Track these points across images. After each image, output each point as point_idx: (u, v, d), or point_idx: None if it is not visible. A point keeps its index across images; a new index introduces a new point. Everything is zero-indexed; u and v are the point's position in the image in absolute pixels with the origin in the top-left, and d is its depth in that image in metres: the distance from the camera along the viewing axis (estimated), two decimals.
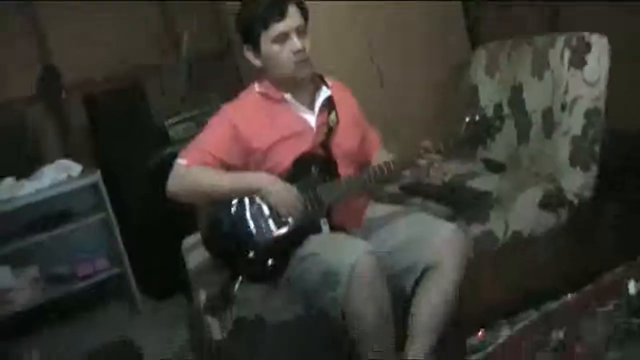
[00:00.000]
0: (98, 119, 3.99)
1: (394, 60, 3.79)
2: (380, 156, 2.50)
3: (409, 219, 2.40)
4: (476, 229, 2.68)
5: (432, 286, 2.24)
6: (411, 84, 3.82)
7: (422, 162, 2.30)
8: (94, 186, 3.85)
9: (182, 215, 2.73)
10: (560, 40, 2.80)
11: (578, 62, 2.71)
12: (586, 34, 2.74)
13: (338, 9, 3.53)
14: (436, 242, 2.24)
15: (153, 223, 3.86)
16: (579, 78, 2.71)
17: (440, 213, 2.67)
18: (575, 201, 2.75)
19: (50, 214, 3.85)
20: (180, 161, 2.37)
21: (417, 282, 2.27)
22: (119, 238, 3.89)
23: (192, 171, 2.34)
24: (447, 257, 2.23)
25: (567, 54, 2.74)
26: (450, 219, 2.54)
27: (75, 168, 3.88)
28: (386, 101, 3.77)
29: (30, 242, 3.74)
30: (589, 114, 2.71)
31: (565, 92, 2.74)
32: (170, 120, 4.09)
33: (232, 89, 3.83)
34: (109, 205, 3.84)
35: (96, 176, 3.82)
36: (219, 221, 2.35)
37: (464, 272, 2.26)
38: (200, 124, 3.91)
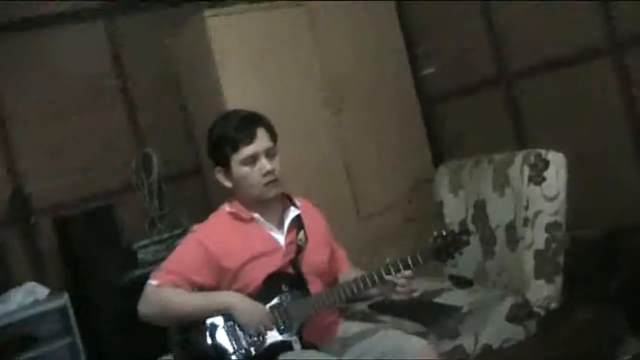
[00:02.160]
0: (67, 242, 3.99)
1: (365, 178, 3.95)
2: (349, 273, 2.54)
3: (380, 336, 2.41)
4: (447, 345, 2.68)
5: None
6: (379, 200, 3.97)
7: (390, 278, 2.33)
8: (62, 310, 3.80)
9: (151, 338, 2.71)
10: (519, 158, 2.91)
11: (537, 178, 2.81)
12: (543, 151, 2.85)
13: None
14: (408, 358, 2.24)
15: (122, 347, 3.79)
16: (538, 194, 2.80)
17: (412, 329, 2.68)
18: (542, 313, 2.79)
19: (16, 339, 3.76)
20: (151, 282, 2.37)
21: None
22: None
23: (163, 292, 2.35)
24: None
25: (526, 171, 2.84)
26: (421, 335, 2.55)
27: (43, 291, 3.83)
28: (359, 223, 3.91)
29: None
30: (550, 228, 2.78)
31: (526, 207, 2.82)
32: (139, 244, 4.11)
33: (202, 208, 3.94)
34: (76, 329, 3.78)
35: (64, 300, 3.77)
36: (192, 341, 2.33)
37: None
38: (169, 247, 3.95)
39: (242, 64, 3.80)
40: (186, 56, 4.22)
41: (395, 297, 2.37)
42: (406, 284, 2.32)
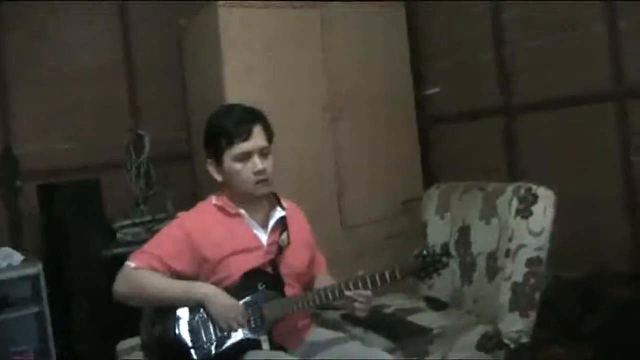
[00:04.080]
0: (49, 210, 3.95)
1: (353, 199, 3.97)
2: (322, 280, 2.53)
3: (348, 347, 2.41)
4: None
5: None
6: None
7: (349, 293, 2.31)
8: (34, 278, 3.76)
9: (119, 319, 2.70)
10: (510, 189, 2.92)
11: (524, 212, 2.82)
12: (534, 185, 2.86)
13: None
14: None
15: (89, 322, 3.77)
16: (524, 227, 2.81)
17: (380, 344, 2.68)
18: (512, 345, 2.79)
19: None
20: (129, 263, 2.36)
21: None
22: (51, 335, 3.75)
23: (139, 274, 2.34)
24: None
25: (514, 203, 2.85)
26: (390, 351, 2.55)
27: (18, 258, 3.81)
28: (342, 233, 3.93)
29: None
30: (531, 263, 2.79)
31: (510, 239, 2.83)
32: (120, 223, 4.10)
33: (188, 196, 3.93)
34: (45, 299, 3.74)
35: (37, 268, 3.74)
36: (161, 328, 2.32)
37: None
38: (149, 230, 3.94)
39: (247, 57, 3.80)
40: (194, 42, 4.22)
41: (352, 311, 2.36)
42: (365, 302, 2.30)
